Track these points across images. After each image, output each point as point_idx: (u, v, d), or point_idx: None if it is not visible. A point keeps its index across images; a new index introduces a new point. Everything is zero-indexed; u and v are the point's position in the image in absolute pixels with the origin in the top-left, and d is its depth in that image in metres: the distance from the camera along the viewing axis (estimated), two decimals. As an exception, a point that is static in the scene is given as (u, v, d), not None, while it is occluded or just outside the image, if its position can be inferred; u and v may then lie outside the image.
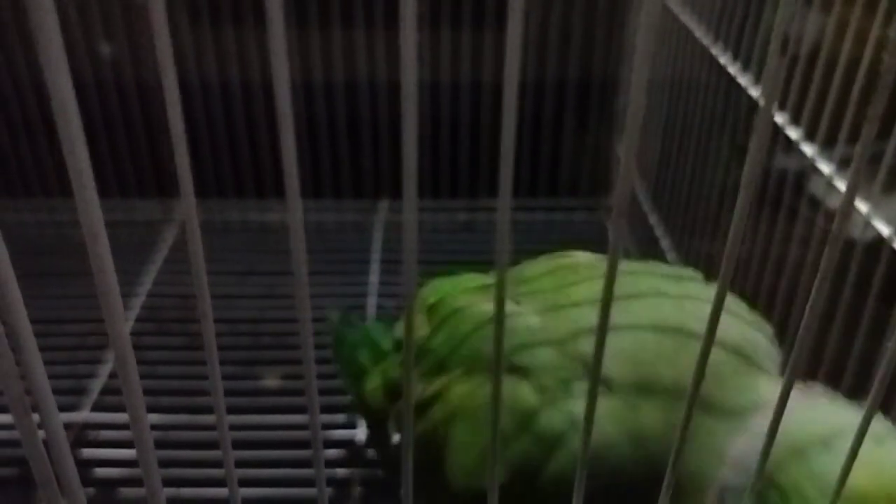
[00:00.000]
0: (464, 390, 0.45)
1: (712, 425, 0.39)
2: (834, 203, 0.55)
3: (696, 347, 0.41)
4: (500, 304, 0.22)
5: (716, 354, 0.43)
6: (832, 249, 0.20)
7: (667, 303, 0.44)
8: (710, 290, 0.48)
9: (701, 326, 0.43)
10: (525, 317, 0.45)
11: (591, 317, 0.44)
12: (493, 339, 0.47)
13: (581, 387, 0.41)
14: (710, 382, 0.40)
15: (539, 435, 0.41)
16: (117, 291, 0.22)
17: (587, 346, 0.42)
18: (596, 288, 0.45)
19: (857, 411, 0.37)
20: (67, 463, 0.26)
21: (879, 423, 0.37)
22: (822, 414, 0.38)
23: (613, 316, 0.45)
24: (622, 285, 0.46)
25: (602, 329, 0.22)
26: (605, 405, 0.40)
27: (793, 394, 0.34)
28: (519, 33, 0.18)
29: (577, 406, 0.40)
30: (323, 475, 0.26)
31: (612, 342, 0.43)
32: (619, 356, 0.41)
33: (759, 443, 0.34)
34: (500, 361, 0.21)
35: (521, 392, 0.42)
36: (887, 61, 0.19)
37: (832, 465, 0.34)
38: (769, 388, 0.40)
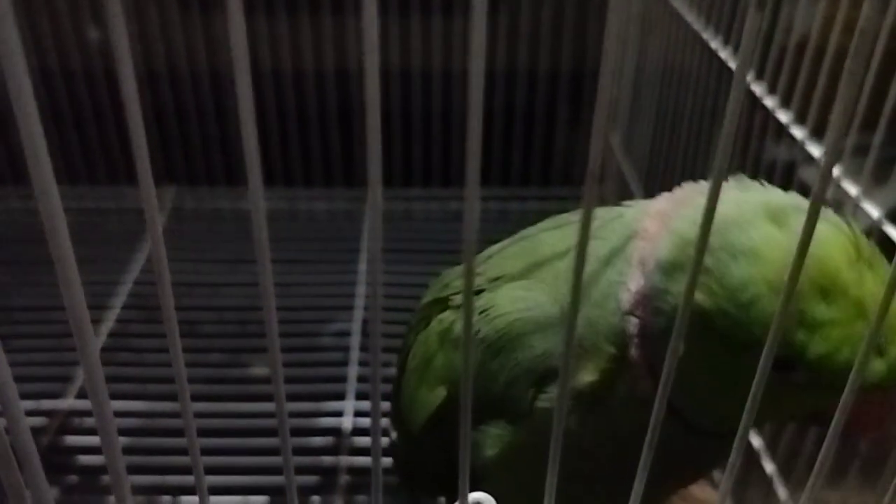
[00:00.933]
0: (412, 353, 0.49)
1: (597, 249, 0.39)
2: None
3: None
4: (468, 292, 0.22)
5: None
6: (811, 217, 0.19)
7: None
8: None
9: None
10: (457, 270, 0.49)
11: (499, 246, 0.47)
12: (426, 296, 0.49)
13: (486, 294, 0.42)
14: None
15: (455, 340, 0.44)
16: (78, 279, 0.22)
17: (491, 266, 0.44)
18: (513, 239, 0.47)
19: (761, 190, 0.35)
20: (31, 454, 0.25)
21: (781, 197, 0.35)
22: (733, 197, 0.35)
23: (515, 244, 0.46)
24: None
25: (577, 276, 0.21)
26: (506, 293, 0.41)
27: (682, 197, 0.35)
28: (483, 26, 0.17)
29: (481, 301, 0.42)
30: (291, 463, 0.26)
31: (508, 253, 0.45)
32: (510, 259, 0.44)
33: (658, 248, 0.35)
34: (469, 335, 0.20)
35: (445, 318, 0.45)
36: (862, 21, 0.18)
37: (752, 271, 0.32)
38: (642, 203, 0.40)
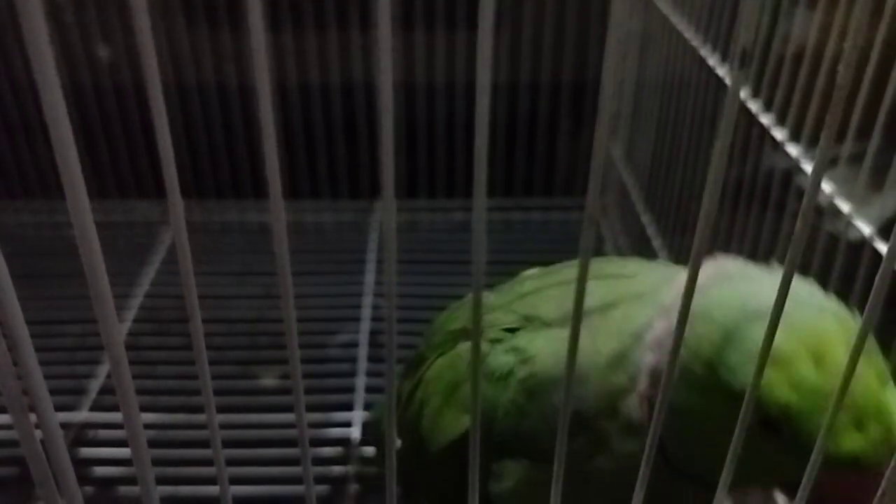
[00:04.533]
0: (434, 369, 0.49)
1: (626, 309, 0.41)
2: (820, 200, 0.56)
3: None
4: (476, 303, 0.23)
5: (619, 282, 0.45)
6: (798, 242, 0.20)
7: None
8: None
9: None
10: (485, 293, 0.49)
11: (533, 285, 0.49)
12: (456, 320, 0.50)
13: (524, 333, 0.44)
14: (617, 282, 0.44)
15: (489, 374, 0.44)
16: (110, 295, 0.23)
17: (528, 306, 0.46)
18: (547, 279, 0.49)
19: (773, 276, 0.37)
20: (65, 462, 0.26)
21: (798, 284, 0.37)
22: (742, 287, 0.37)
23: (547, 285, 0.48)
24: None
25: (577, 310, 0.22)
26: (544, 338, 0.43)
27: (705, 269, 0.36)
28: (490, 36, 0.18)
29: (521, 341, 0.44)
30: (310, 472, 0.27)
31: (545, 296, 0.46)
32: (548, 303, 0.45)
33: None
34: (478, 348, 0.22)
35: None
36: (841, 71, 0.20)
37: (754, 332, 0.34)
38: (673, 270, 0.43)
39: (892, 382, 0.35)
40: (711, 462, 0.33)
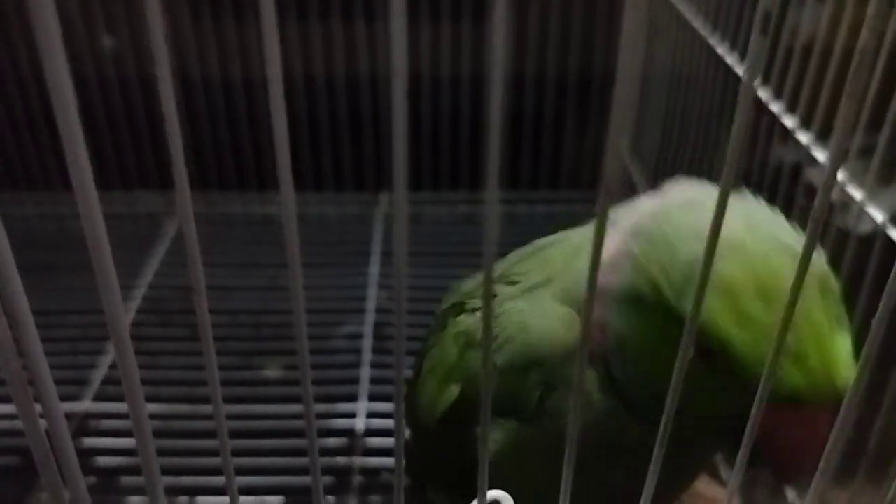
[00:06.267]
0: (430, 358, 0.50)
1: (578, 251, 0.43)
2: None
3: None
4: (488, 292, 0.23)
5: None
6: (813, 226, 0.20)
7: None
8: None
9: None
10: (474, 278, 0.52)
11: (513, 257, 0.49)
12: (451, 308, 0.49)
13: (500, 301, 0.44)
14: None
15: (470, 340, 0.46)
16: (115, 280, 0.23)
17: (504, 276, 0.46)
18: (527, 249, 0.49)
19: (741, 204, 0.37)
20: (68, 451, 0.26)
21: (762, 214, 0.37)
22: (706, 215, 0.38)
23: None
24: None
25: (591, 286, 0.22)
26: (521, 300, 0.44)
27: (673, 193, 0.37)
28: (503, 24, 0.18)
29: (502, 307, 0.44)
30: (317, 463, 0.26)
31: (518, 265, 0.47)
32: (521, 270, 0.46)
33: (642, 220, 0.37)
34: (489, 335, 0.21)
35: (462, 321, 0.47)
36: (863, 41, 0.19)
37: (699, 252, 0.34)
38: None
39: (846, 329, 0.34)
40: (655, 389, 0.32)
